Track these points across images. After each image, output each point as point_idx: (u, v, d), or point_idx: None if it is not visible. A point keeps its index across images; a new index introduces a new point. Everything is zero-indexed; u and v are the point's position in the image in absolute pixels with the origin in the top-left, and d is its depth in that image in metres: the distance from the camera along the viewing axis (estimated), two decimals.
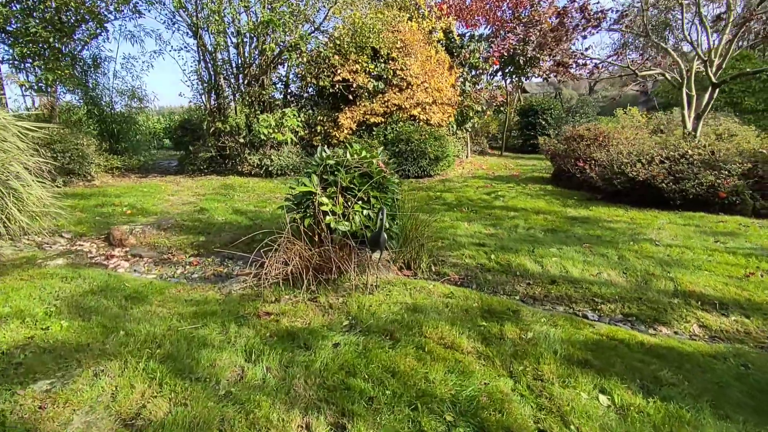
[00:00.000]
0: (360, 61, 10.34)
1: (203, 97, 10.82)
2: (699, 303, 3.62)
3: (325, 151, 4.62)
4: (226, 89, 10.94)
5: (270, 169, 10.26)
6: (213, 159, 10.95)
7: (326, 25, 10.74)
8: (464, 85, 12.31)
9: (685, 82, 7.36)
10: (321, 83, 10.20)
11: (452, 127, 12.71)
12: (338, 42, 10.33)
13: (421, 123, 11.08)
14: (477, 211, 6.92)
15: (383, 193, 4.56)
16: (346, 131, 10.78)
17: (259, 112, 10.62)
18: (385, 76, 10.68)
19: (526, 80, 14.09)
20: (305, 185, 4.18)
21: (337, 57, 10.09)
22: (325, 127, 11.11)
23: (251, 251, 4.58)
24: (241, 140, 10.50)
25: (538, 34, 11.60)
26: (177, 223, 6.12)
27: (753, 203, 6.31)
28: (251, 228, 5.89)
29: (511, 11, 13.34)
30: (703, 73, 7.17)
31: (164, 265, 4.85)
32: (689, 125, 7.59)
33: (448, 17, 11.57)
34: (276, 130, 10.08)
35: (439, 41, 11.88)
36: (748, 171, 6.29)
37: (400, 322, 3.17)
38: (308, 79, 10.55)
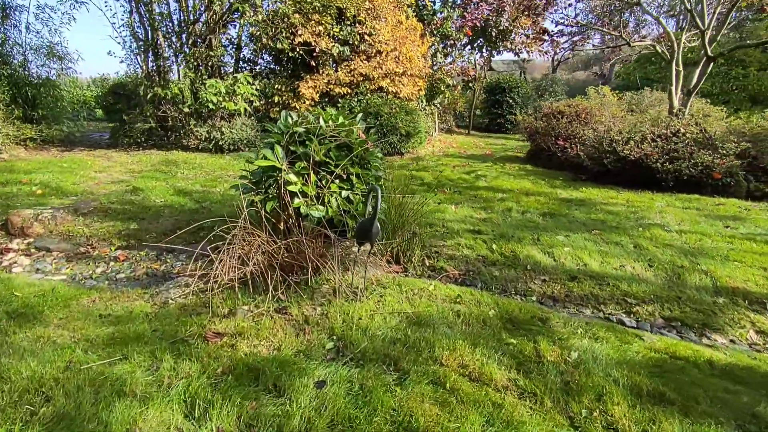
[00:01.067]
0: (324, 22, 9.18)
1: (138, 57, 9.29)
2: (746, 302, 3.07)
3: (291, 117, 3.65)
4: (167, 49, 9.43)
5: (221, 143, 9.00)
6: (152, 131, 9.48)
7: None
8: (435, 56, 11.45)
9: (676, 56, 6.92)
10: (279, 46, 8.96)
11: (422, 101, 11.86)
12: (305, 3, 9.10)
13: (389, 96, 10.15)
14: (461, 192, 6.18)
15: (365, 170, 3.68)
16: (307, 102, 9.66)
17: (206, 77, 9.25)
18: (351, 42, 9.60)
19: (497, 54, 13.44)
20: (267, 158, 3.22)
21: (297, 16, 8.87)
22: (284, 98, 9.92)
23: (198, 242, 3.59)
24: (186, 109, 9.11)
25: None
26: (102, 207, 4.92)
27: (747, 185, 6.00)
28: (198, 213, 4.82)
29: None
30: (691, 49, 6.73)
31: (80, 261, 3.73)
32: (676, 102, 7.20)
33: None
34: (227, 99, 8.80)
35: (409, 6, 10.88)
36: (744, 151, 5.94)
37: (404, 342, 2.36)
38: (264, 40, 9.26)
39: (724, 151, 5.92)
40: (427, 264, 3.69)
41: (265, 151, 3.28)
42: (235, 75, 9.14)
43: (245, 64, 11.36)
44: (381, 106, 9.43)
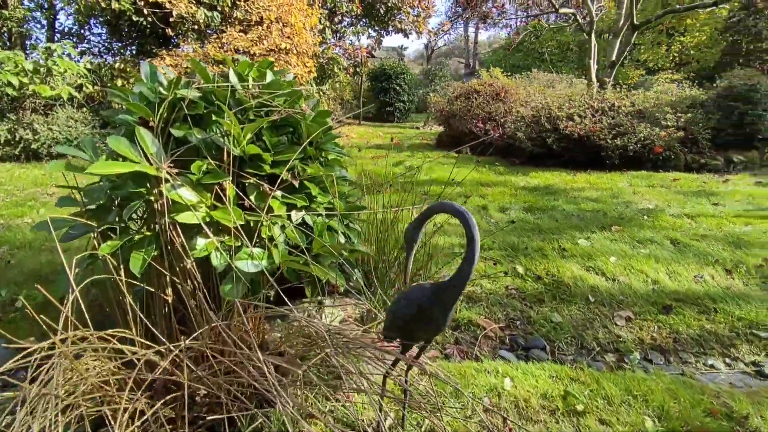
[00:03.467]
0: None
1: None
2: None
3: (163, 74, 1.84)
4: None
5: (33, 146, 6.11)
6: None
7: None
8: (324, 33, 9.82)
9: (593, 26, 6.53)
10: (116, 5, 6.37)
11: (311, 85, 10.15)
12: None
13: None
14: (408, 190, 4.79)
15: (328, 168, 2.04)
16: None
17: None
18: (221, 6, 7.43)
19: (386, 35, 12.36)
20: (121, 157, 1.40)
21: None
22: (130, 81, 7.30)
23: None
24: None
25: None
26: None
27: (684, 157, 5.79)
28: None
29: None
30: (615, 19, 6.38)
31: None
32: (594, 76, 6.87)
33: None
34: (37, 81, 5.97)
35: None
36: (686, 122, 5.69)
37: None
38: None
39: (666, 123, 5.59)
40: None
41: (115, 141, 1.42)
42: (47, 46, 6.28)
43: (68, 37, 8.25)
44: (266, 88, 7.50)
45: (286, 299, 1.51)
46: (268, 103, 1.79)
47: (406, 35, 12.31)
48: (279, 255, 1.66)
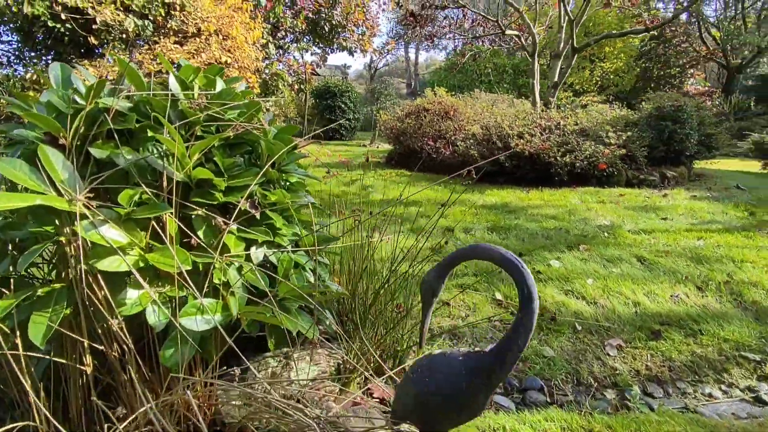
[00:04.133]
0: None
1: None
2: None
3: (78, 70, 1.46)
4: None
5: None
6: None
7: None
8: (267, 48, 9.45)
9: (536, 48, 6.77)
10: (29, 9, 5.62)
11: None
12: None
13: None
14: (363, 210, 4.54)
15: (292, 194, 1.73)
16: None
17: None
18: (153, 15, 6.86)
19: (331, 52, 12.18)
20: (22, 188, 1.01)
21: None
22: (40, 92, 6.47)
23: None
24: None
25: None
26: None
27: (625, 173, 6.07)
28: None
29: None
30: (553, 41, 6.65)
31: None
32: (537, 96, 7.10)
33: None
34: None
35: None
36: (626, 140, 5.97)
37: None
38: None
39: (609, 141, 5.83)
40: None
41: (6, 164, 1.04)
42: None
43: None
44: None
45: (245, 360, 1.18)
46: (220, 116, 1.46)
47: (350, 53, 12.24)
48: (236, 304, 1.32)
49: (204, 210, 1.39)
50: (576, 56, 6.42)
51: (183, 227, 1.29)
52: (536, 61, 6.82)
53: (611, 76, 19.65)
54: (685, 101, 6.58)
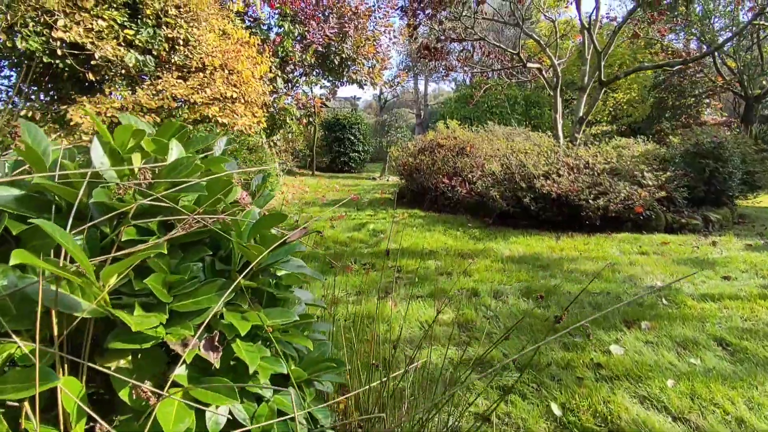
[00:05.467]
0: (106, 16, 6.00)
1: None
2: None
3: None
4: None
5: None
6: None
7: None
8: (275, 82, 9.19)
9: (558, 82, 6.35)
10: (24, 45, 5.35)
11: (261, 136, 9.38)
12: None
13: (219, 129, 7.42)
14: (372, 265, 4.00)
15: (285, 317, 1.19)
16: (86, 138, 6.15)
17: None
18: (156, 51, 6.61)
19: (341, 86, 11.96)
20: None
21: None
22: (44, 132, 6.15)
23: None
24: None
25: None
26: None
27: (665, 217, 5.48)
28: None
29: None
30: (577, 74, 6.22)
31: None
32: (560, 131, 6.62)
33: None
34: None
35: (238, 14, 8.43)
36: (665, 181, 5.41)
37: None
38: None
39: (645, 182, 5.29)
40: None
41: None
42: None
43: None
44: (210, 139, 6.62)
45: None
46: (165, 203, 0.96)
47: (361, 86, 12.00)
48: None
49: (127, 360, 0.87)
50: (603, 90, 5.97)
51: (94, 391, 0.77)
52: (558, 94, 6.38)
53: (624, 107, 19.31)
54: (726, 137, 6.04)
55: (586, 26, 5.72)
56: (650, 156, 6.30)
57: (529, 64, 6.07)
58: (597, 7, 5.92)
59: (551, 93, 6.61)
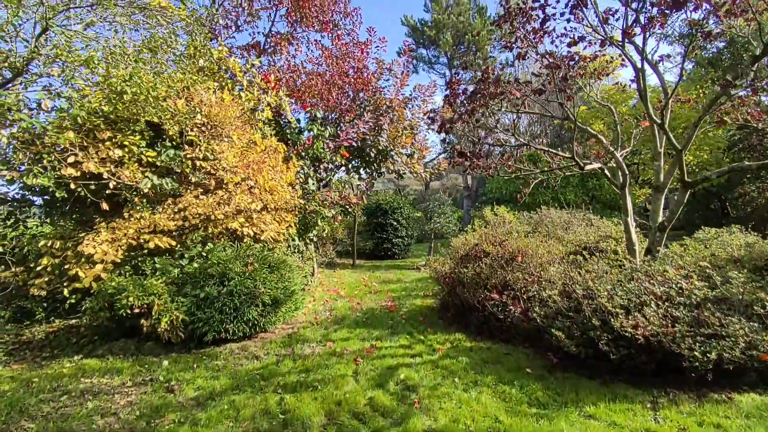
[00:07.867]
0: (125, 143, 5.84)
1: None
2: None
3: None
4: None
5: None
6: None
7: (58, 85, 6.00)
8: (307, 183, 8.79)
9: (626, 181, 5.23)
10: (33, 182, 5.17)
11: (292, 239, 8.83)
12: (87, 115, 5.65)
13: (245, 241, 6.90)
14: None
15: None
16: (100, 266, 5.77)
17: None
18: (177, 170, 6.35)
19: (378, 176, 11.51)
20: None
21: (72, 134, 5.34)
22: (58, 258, 5.89)
23: None
24: None
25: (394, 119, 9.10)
26: None
27: None
28: None
29: (352, 95, 10.83)
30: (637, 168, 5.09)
31: None
32: (635, 237, 5.36)
33: (277, 91, 8.15)
34: None
35: (267, 122, 8.28)
36: None
37: None
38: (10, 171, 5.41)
39: None
40: None
41: None
42: None
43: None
44: (230, 261, 6.05)
45: None
46: None
47: (400, 176, 11.45)
48: None
49: None
50: (688, 191, 4.76)
51: None
52: (628, 194, 5.23)
53: (695, 170, 17.39)
54: None
55: (657, 120, 4.67)
56: (757, 256, 4.86)
57: (588, 167, 5.05)
58: (665, 93, 4.90)
59: (618, 191, 5.47)
